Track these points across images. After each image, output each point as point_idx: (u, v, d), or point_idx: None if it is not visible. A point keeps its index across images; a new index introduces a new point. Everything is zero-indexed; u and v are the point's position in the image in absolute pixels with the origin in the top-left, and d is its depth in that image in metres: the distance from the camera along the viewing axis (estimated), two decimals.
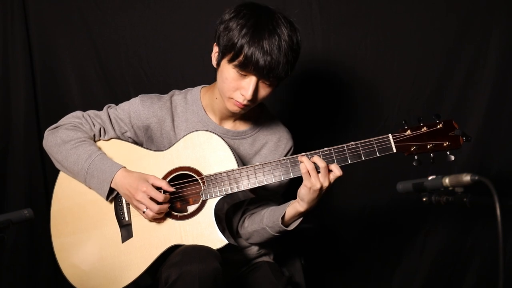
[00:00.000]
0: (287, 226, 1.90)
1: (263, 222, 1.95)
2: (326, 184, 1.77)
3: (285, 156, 2.04)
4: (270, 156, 2.03)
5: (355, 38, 2.62)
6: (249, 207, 2.06)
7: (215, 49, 1.87)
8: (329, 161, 1.80)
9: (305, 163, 1.77)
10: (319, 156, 1.79)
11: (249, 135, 2.02)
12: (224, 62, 1.82)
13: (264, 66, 1.76)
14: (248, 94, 1.80)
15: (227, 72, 1.81)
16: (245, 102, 1.83)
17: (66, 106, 2.65)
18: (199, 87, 2.04)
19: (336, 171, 1.77)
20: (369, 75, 2.66)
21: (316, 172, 1.76)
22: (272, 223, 1.91)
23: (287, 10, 2.51)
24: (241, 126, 2.03)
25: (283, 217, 1.89)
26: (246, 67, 1.77)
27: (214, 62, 1.89)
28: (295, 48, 1.81)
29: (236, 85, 1.82)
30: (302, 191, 1.80)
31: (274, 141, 2.05)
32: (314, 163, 1.77)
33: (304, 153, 1.80)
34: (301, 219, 1.90)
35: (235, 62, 1.78)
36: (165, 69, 2.68)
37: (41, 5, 2.64)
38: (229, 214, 2.00)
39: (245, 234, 2.04)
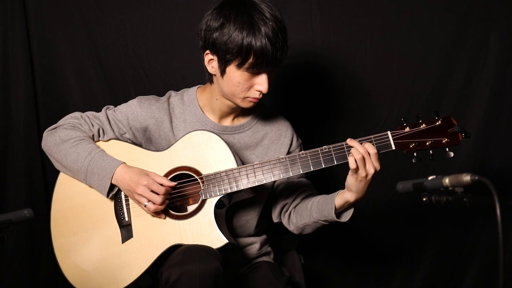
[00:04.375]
0: (339, 217, 1.90)
1: (313, 216, 1.94)
2: (372, 171, 1.75)
3: (290, 144, 2.06)
4: (273, 147, 2.04)
5: (355, 38, 2.62)
6: (287, 201, 2.06)
7: (210, 57, 1.85)
8: (328, 159, 1.80)
9: (354, 152, 1.74)
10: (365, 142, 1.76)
11: (247, 127, 2.03)
12: (232, 68, 1.81)
13: (273, 58, 1.78)
14: (265, 88, 1.83)
15: (239, 76, 1.81)
16: (261, 96, 1.87)
17: (66, 106, 2.65)
18: (194, 88, 2.05)
19: (371, 150, 1.74)
20: (369, 75, 2.65)
21: (363, 162, 1.74)
22: (325, 218, 1.90)
23: (288, 9, 2.55)
24: (240, 121, 2.04)
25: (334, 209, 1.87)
26: (259, 66, 1.78)
27: (212, 70, 1.87)
28: (282, 25, 1.81)
29: (249, 85, 1.84)
30: (350, 181, 1.79)
31: (274, 131, 2.06)
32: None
33: (350, 140, 1.77)
34: (352, 210, 1.89)
35: (246, 65, 1.78)
36: (165, 69, 2.67)
37: (41, 5, 2.64)
38: (229, 213, 2.00)
39: (296, 229, 2.03)
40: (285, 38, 1.81)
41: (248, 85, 1.83)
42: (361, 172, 1.74)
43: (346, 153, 1.79)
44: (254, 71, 1.80)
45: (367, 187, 1.79)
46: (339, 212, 1.89)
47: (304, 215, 1.99)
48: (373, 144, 1.76)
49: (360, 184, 1.77)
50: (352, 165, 1.73)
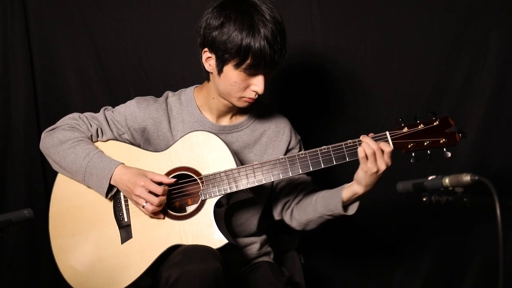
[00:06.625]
0: (346, 211, 1.91)
1: (318, 211, 1.96)
2: (383, 167, 1.76)
3: (288, 141, 2.06)
4: (271, 144, 2.05)
5: (355, 38, 2.62)
6: (289, 198, 2.07)
7: (208, 54, 1.86)
8: (327, 160, 1.80)
9: (365, 147, 1.75)
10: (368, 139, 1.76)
11: (245, 126, 2.03)
12: (229, 68, 1.81)
13: (271, 61, 1.78)
14: (261, 89, 1.84)
15: (236, 76, 1.82)
16: (256, 96, 1.87)
17: (66, 106, 2.65)
18: (192, 88, 2.05)
19: (386, 148, 1.75)
20: (369, 75, 2.65)
21: (374, 157, 1.74)
22: (331, 212, 1.92)
23: (288, 9, 2.55)
24: (237, 120, 2.04)
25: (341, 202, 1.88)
26: (256, 67, 1.79)
27: (209, 68, 1.88)
28: (282, 28, 1.81)
29: (245, 85, 1.84)
30: (360, 174, 1.80)
31: (272, 128, 2.06)
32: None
33: (360, 137, 1.78)
34: (358, 203, 1.91)
35: (243, 66, 1.79)
36: (165, 69, 2.67)
37: (41, 5, 2.64)
38: (229, 213, 2.00)
39: (299, 225, 2.04)
40: (284, 41, 1.81)
41: (244, 85, 1.84)
42: (372, 168, 1.75)
43: (345, 153, 1.79)
44: (251, 72, 1.80)
45: (377, 181, 1.81)
46: (345, 205, 1.91)
47: (308, 210, 1.99)
48: (387, 142, 1.77)
49: (370, 178, 1.79)
50: (361, 153, 1.74)
